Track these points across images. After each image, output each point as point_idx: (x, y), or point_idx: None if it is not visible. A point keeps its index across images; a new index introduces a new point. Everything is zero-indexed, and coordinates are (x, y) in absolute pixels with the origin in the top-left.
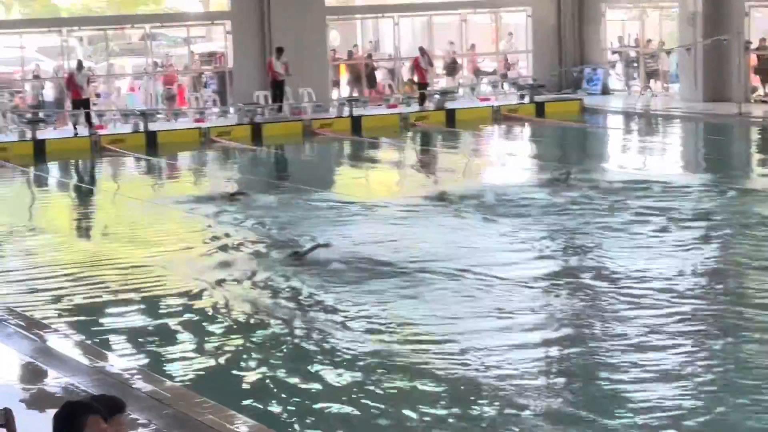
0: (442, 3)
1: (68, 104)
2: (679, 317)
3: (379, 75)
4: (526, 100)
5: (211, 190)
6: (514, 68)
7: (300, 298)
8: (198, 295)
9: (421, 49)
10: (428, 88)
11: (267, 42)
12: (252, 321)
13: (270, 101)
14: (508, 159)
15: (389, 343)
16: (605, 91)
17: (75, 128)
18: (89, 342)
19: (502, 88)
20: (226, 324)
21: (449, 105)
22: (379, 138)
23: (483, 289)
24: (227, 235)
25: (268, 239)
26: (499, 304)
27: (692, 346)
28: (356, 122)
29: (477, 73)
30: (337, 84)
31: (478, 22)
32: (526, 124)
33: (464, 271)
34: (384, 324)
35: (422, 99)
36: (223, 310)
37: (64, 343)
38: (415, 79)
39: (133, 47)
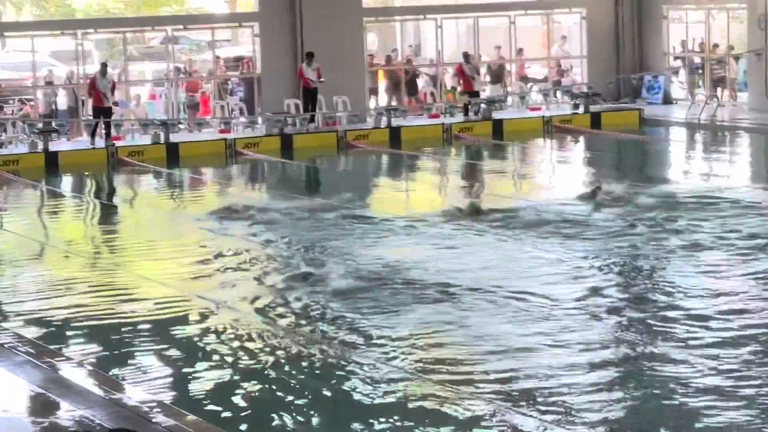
0: (488, 4)
1: (85, 111)
2: (749, 347)
3: (420, 82)
4: (581, 109)
5: (234, 204)
6: (567, 75)
7: (334, 325)
8: (219, 320)
9: (466, 55)
10: (474, 98)
11: (298, 46)
12: (280, 350)
13: (301, 110)
14: (559, 174)
15: (438, 381)
16: (667, 100)
17: (93, 139)
18: (105, 372)
19: (554, 96)
20: (251, 352)
21: (496, 115)
22: (419, 151)
23: (536, 313)
24: (249, 254)
25: (295, 259)
26: (554, 331)
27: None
28: (395, 133)
29: (526, 80)
30: (374, 92)
31: (528, 25)
32: (581, 135)
33: (517, 293)
34: (431, 358)
35: (466, 109)
36: (247, 337)
37: (78, 372)
38: (459, 87)
39: (153, 51)
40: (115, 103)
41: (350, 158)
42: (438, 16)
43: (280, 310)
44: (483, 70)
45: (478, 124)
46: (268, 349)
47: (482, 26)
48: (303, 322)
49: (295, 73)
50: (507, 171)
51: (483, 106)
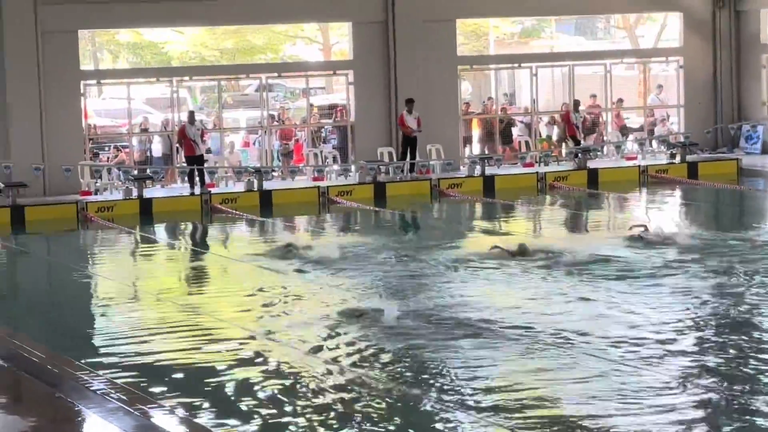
0: (584, 52)
1: (179, 159)
2: None
3: (515, 131)
4: (677, 159)
5: (326, 253)
6: (663, 124)
7: (415, 370)
8: (308, 366)
9: (576, 103)
10: (577, 145)
11: (392, 94)
12: (375, 398)
13: (395, 158)
14: (654, 223)
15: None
16: (765, 150)
17: (192, 187)
18: (195, 418)
19: (650, 146)
20: (342, 400)
21: (591, 164)
22: (513, 200)
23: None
24: (334, 300)
25: (380, 302)
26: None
27: None
28: (489, 182)
29: (624, 129)
30: (468, 140)
31: (624, 74)
32: (677, 186)
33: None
34: (517, 403)
35: (562, 142)
36: (335, 384)
37: (170, 420)
38: (553, 135)
39: (247, 99)
40: (208, 150)
41: (443, 206)
42: (533, 65)
43: (371, 359)
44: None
45: (573, 173)
46: (359, 394)
47: (577, 74)
48: (392, 367)
49: (388, 121)
50: (603, 221)
51: (579, 155)
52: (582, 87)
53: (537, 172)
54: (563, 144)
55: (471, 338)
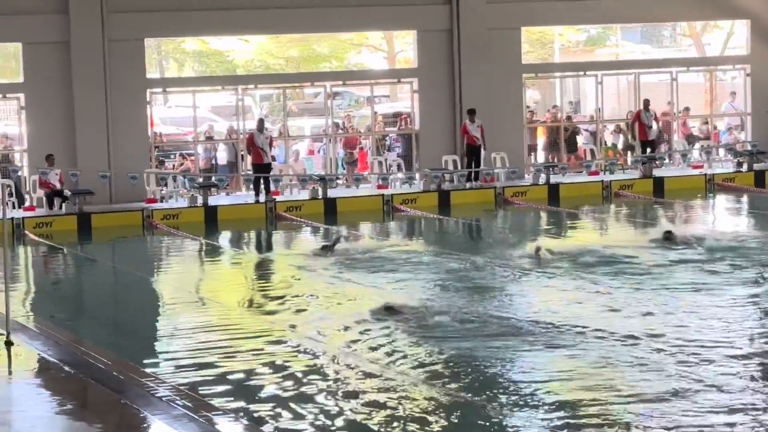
0: (650, 60)
1: (244, 166)
2: None
3: (580, 139)
4: (744, 167)
5: (385, 262)
6: (731, 132)
7: (478, 381)
8: (376, 372)
9: (646, 102)
10: (648, 147)
11: (457, 102)
12: (438, 401)
13: (459, 167)
14: (720, 233)
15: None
16: None
17: (257, 194)
18: (260, 426)
19: (717, 154)
20: (404, 405)
21: (657, 173)
22: (578, 208)
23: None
24: (397, 309)
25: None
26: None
27: None
28: (553, 191)
29: (691, 138)
30: (533, 148)
31: (690, 81)
32: (744, 194)
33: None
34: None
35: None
36: (393, 389)
37: (234, 426)
38: (618, 143)
39: (312, 107)
40: (273, 158)
41: (507, 214)
42: (598, 73)
43: (433, 365)
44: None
45: (638, 181)
46: (410, 395)
47: (643, 82)
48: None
49: (453, 129)
50: (670, 231)
51: (644, 163)
52: (648, 95)
53: (602, 181)
54: (629, 152)
55: (526, 340)
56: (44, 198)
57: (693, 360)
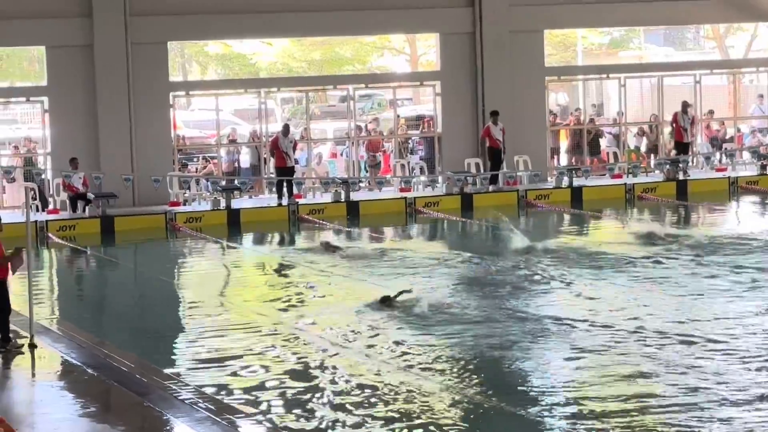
0: (673, 63)
1: (267, 170)
2: None
3: (603, 142)
4: None
5: (411, 264)
6: (754, 135)
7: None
8: (391, 386)
9: (685, 104)
10: (683, 150)
11: (479, 105)
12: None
13: (482, 169)
14: (742, 236)
15: None
16: None
17: (280, 197)
18: (283, 430)
19: (741, 157)
20: (424, 405)
21: (680, 176)
22: (601, 211)
23: None
24: (406, 305)
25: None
26: None
27: None
28: (576, 194)
29: (715, 141)
30: (555, 151)
31: (713, 84)
32: None
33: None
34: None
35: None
36: (408, 389)
37: (256, 429)
38: (641, 146)
39: (335, 110)
40: (296, 162)
41: (530, 218)
42: (621, 75)
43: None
44: (668, 129)
45: (661, 184)
46: (429, 395)
47: (666, 85)
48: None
49: (475, 132)
50: (692, 234)
51: (667, 166)
52: (671, 98)
53: (625, 184)
54: (653, 154)
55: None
56: (68, 201)
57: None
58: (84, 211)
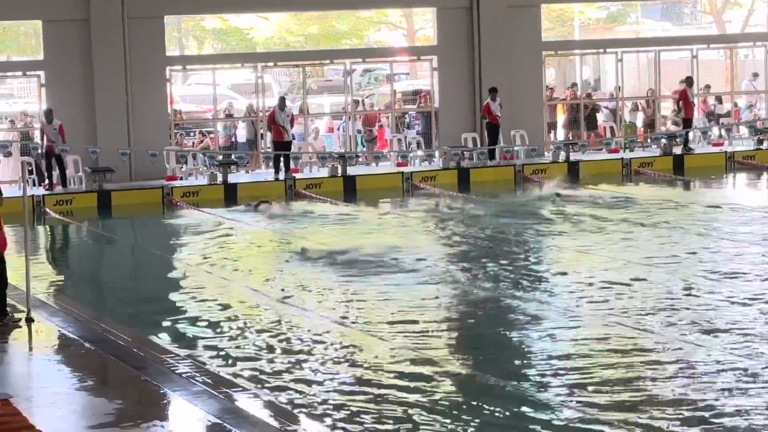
0: (670, 37)
1: (264, 144)
2: None
3: (600, 116)
4: (765, 145)
5: (405, 240)
6: (751, 110)
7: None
8: (387, 351)
9: (689, 80)
10: (689, 126)
11: (476, 79)
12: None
13: (479, 144)
14: (740, 209)
15: None
16: None
17: (276, 172)
18: (279, 401)
19: (737, 131)
20: (424, 377)
21: (677, 151)
22: (598, 185)
23: None
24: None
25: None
26: None
27: None
28: (573, 168)
29: (711, 115)
30: (552, 126)
31: (710, 58)
32: (765, 171)
33: None
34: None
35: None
36: (410, 362)
37: (253, 403)
38: (638, 121)
39: (331, 85)
40: (293, 136)
41: (525, 192)
42: (618, 50)
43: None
44: (666, 103)
45: (658, 159)
46: (430, 373)
47: (663, 60)
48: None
49: (472, 107)
50: (691, 207)
51: (663, 141)
52: (668, 73)
53: (622, 158)
54: (650, 129)
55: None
56: (43, 160)
57: None
58: (55, 169)
